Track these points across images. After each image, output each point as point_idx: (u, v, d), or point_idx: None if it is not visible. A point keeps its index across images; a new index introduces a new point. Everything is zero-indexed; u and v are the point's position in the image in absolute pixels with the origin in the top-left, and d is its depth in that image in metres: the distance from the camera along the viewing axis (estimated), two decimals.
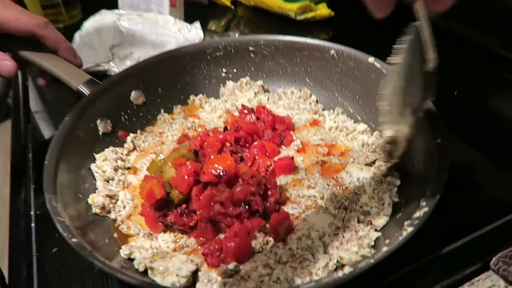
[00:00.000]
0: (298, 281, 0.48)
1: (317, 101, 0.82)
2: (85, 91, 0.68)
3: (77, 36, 1.03)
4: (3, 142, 0.92)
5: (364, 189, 0.61)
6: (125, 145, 0.72)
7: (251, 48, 0.85)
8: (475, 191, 0.64)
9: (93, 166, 0.67)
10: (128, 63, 0.95)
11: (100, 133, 0.70)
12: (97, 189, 0.64)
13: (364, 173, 0.64)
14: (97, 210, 0.61)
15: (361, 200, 0.60)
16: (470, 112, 0.80)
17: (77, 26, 1.07)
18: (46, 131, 0.83)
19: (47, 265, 0.58)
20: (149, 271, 0.52)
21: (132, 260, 0.54)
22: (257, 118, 0.74)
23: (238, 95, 0.84)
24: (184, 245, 0.57)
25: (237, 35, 1.11)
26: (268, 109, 0.76)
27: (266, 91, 0.86)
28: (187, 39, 1.02)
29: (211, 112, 0.81)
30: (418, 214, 0.49)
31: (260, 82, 0.85)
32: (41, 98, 0.91)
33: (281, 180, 0.64)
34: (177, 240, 0.58)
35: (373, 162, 0.65)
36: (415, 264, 0.52)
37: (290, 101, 0.82)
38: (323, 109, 0.80)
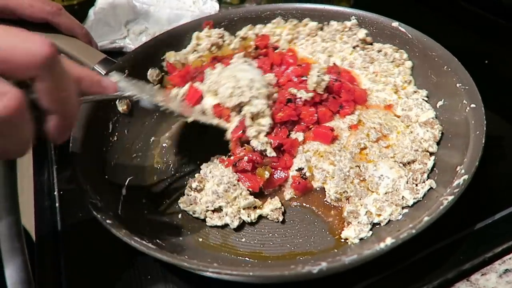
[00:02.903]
0: None
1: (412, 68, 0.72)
2: (101, 70, 0.67)
3: (91, 12, 1.01)
4: None
5: (377, 189, 0.57)
6: None
7: (267, 18, 0.82)
8: (507, 164, 0.61)
9: (194, 34, 0.78)
10: (144, 38, 0.93)
11: (120, 111, 0.70)
12: None
13: (391, 173, 0.58)
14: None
15: (368, 198, 0.56)
16: (501, 81, 0.76)
17: (91, 2, 1.05)
18: None
19: (73, 244, 0.59)
20: (207, 218, 0.57)
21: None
22: (336, 80, 0.68)
23: (335, 46, 0.79)
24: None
25: (254, 6, 1.07)
26: (350, 75, 0.72)
27: (369, 43, 0.77)
28: (202, 12, 1.00)
29: None
30: (457, 182, 0.47)
31: (363, 34, 0.77)
32: None
33: (313, 145, 0.63)
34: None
35: (409, 163, 0.59)
36: (445, 240, 0.51)
37: (380, 67, 0.73)
38: (404, 84, 0.71)
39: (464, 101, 0.58)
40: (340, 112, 0.67)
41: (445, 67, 0.64)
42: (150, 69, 0.75)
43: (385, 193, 0.56)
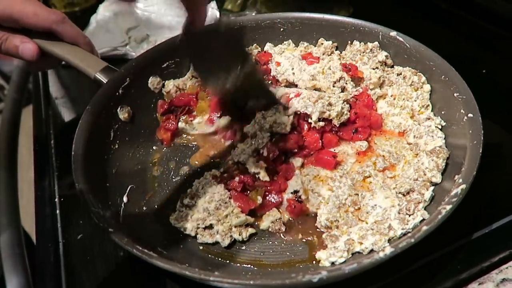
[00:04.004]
0: None
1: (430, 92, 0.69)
2: (103, 79, 0.68)
3: (93, 19, 1.02)
4: (27, 126, 0.94)
5: (367, 218, 0.55)
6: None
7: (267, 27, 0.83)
8: (505, 173, 0.62)
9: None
10: (145, 46, 0.94)
11: (121, 119, 0.70)
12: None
13: (385, 203, 0.56)
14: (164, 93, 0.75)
15: (355, 227, 0.55)
16: (499, 90, 0.77)
17: (93, 9, 1.06)
18: (67, 117, 0.83)
19: (73, 250, 0.59)
20: (198, 235, 0.56)
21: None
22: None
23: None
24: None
25: (254, 14, 1.08)
26: (370, 99, 0.69)
27: (389, 66, 0.75)
28: None
29: None
30: (455, 191, 0.48)
31: (383, 56, 0.74)
32: (60, 84, 0.92)
33: (313, 170, 0.62)
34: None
35: (408, 193, 0.56)
36: (443, 250, 0.51)
37: (399, 90, 0.71)
38: (421, 109, 0.68)
39: (462, 111, 0.59)
40: (353, 137, 0.66)
41: (443, 76, 0.65)
42: (151, 77, 0.75)
43: (374, 222, 0.54)
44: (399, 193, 0.57)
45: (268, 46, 0.83)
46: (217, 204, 0.58)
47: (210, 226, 0.57)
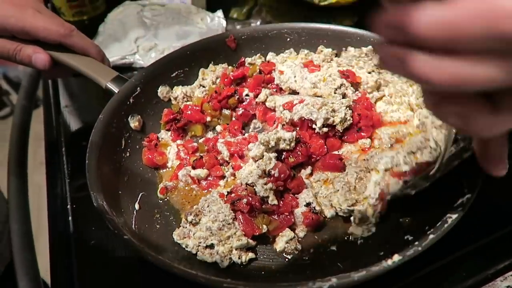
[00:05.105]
0: None
1: None
2: (114, 88, 0.70)
3: (101, 28, 1.04)
4: (32, 130, 0.95)
5: (376, 167, 0.58)
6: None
7: (273, 37, 0.85)
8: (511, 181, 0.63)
9: (201, 70, 0.81)
10: (153, 55, 0.96)
11: (132, 128, 0.72)
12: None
13: (390, 153, 0.59)
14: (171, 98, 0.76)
15: (369, 184, 0.58)
16: None
17: (101, 17, 1.08)
18: (77, 125, 0.85)
19: (86, 256, 0.60)
20: (199, 253, 0.56)
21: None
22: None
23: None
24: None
25: (259, 22, 1.10)
26: (368, 102, 0.71)
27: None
28: (210, 29, 1.02)
29: None
30: (461, 200, 0.49)
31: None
32: (70, 92, 0.93)
33: (322, 175, 0.64)
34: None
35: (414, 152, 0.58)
36: (447, 258, 0.52)
37: (395, 88, 0.72)
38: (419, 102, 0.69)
39: None
40: (357, 136, 0.67)
41: None
42: (160, 86, 0.77)
43: (385, 170, 0.57)
44: (408, 153, 0.58)
45: (270, 56, 0.84)
46: (220, 225, 0.56)
47: (211, 246, 0.56)
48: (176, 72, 0.80)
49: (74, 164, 0.74)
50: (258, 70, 0.79)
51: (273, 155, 0.62)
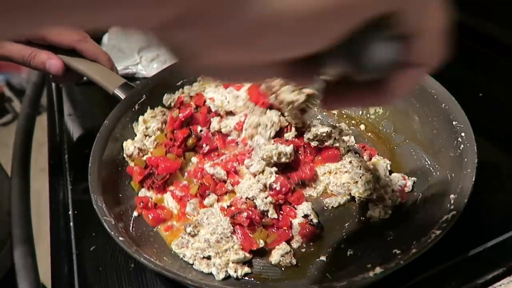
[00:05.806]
0: None
1: None
2: (121, 95, 0.72)
3: (105, 38, 1.06)
4: (33, 136, 0.97)
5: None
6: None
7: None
8: (500, 193, 0.64)
9: (140, 118, 0.73)
10: (155, 65, 0.98)
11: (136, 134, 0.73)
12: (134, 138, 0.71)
13: None
14: (125, 156, 0.69)
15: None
16: (495, 112, 0.80)
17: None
18: (80, 133, 0.87)
19: (86, 262, 0.62)
20: (195, 262, 0.57)
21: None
22: None
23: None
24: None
25: None
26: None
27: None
28: None
29: None
30: (446, 217, 0.50)
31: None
32: (73, 100, 0.95)
33: (326, 168, 0.67)
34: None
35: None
36: (438, 267, 0.53)
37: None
38: None
39: (459, 139, 0.60)
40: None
41: (443, 104, 0.65)
42: (166, 94, 0.78)
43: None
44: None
45: (187, 89, 0.78)
46: (218, 237, 0.57)
47: (209, 257, 0.57)
48: (182, 81, 0.80)
49: (76, 171, 0.75)
50: (195, 106, 0.73)
51: (273, 169, 0.63)
